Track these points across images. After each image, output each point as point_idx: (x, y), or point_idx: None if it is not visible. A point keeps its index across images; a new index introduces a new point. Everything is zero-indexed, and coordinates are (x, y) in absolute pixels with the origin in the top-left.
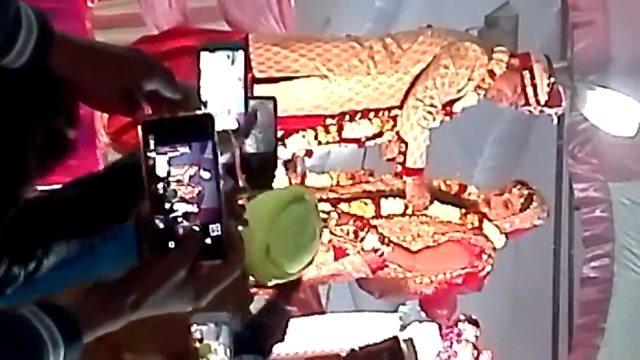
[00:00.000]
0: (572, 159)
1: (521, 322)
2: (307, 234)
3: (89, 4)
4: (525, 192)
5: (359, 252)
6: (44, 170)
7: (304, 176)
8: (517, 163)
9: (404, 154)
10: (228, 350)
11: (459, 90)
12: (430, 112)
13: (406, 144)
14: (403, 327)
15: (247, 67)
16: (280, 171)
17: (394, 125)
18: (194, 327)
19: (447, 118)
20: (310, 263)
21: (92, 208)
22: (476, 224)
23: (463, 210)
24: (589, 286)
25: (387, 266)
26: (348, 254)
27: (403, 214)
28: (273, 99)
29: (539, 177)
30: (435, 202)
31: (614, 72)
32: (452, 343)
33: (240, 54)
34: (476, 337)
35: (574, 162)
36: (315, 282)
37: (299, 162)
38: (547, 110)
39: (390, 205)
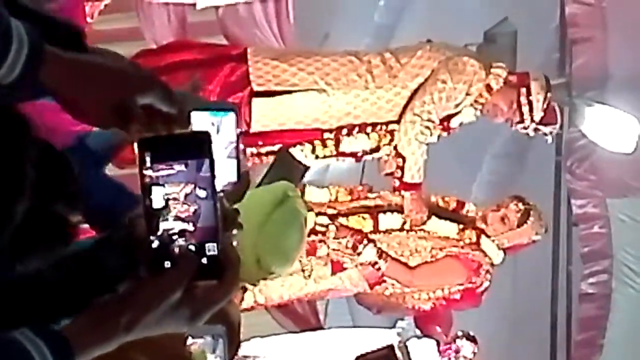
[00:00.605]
0: (570, 175)
1: (519, 338)
2: (295, 234)
3: (88, 19)
4: (522, 207)
5: (356, 266)
6: (40, 187)
7: (303, 189)
8: (515, 179)
9: (402, 168)
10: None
11: (457, 105)
12: (427, 127)
13: (404, 158)
14: (402, 342)
15: (240, 126)
16: None
17: (392, 140)
18: (190, 340)
19: (445, 133)
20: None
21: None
22: (474, 239)
23: (461, 226)
24: (587, 302)
25: (384, 281)
26: (346, 268)
27: (401, 229)
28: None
29: (537, 193)
30: (433, 217)
31: (613, 88)
32: (450, 359)
33: (230, 117)
34: (474, 353)
35: (573, 178)
36: (313, 297)
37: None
38: (542, 128)
39: (388, 220)
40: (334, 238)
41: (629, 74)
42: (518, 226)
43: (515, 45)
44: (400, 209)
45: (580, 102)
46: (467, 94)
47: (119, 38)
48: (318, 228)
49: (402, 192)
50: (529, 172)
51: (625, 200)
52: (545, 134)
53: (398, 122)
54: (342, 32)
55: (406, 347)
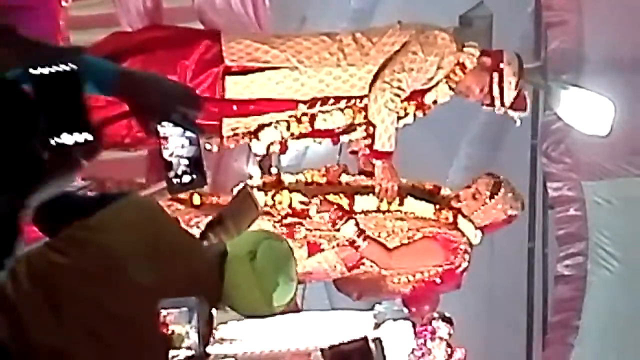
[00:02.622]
0: (546, 158)
1: (496, 320)
2: (285, 268)
3: (63, 3)
4: (492, 180)
5: (333, 247)
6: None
7: (279, 176)
8: (491, 162)
9: (372, 136)
10: (198, 334)
11: (430, 80)
12: (397, 95)
13: (374, 126)
14: (377, 325)
15: None
16: (255, 171)
17: (366, 116)
18: (163, 312)
19: (420, 113)
20: None
21: None
22: (450, 219)
23: (437, 206)
24: (563, 284)
25: (363, 264)
26: (323, 249)
27: (377, 210)
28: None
29: (513, 176)
30: (409, 197)
31: (587, 71)
32: (425, 341)
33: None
34: (449, 334)
35: (548, 161)
36: None
37: (273, 159)
38: (510, 113)
39: (364, 201)
40: (317, 212)
41: (603, 57)
42: (490, 198)
43: (491, 29)
44: (374, 191)
45: (556, 85)
46: (439, 67)
47: (94, 24)
48: (298, 206)
49: (374, 161)
50: (505, 155)
51: (601, 182)
52: (514, 119)
53: None
54: (319, 16)
55: (380, 339)
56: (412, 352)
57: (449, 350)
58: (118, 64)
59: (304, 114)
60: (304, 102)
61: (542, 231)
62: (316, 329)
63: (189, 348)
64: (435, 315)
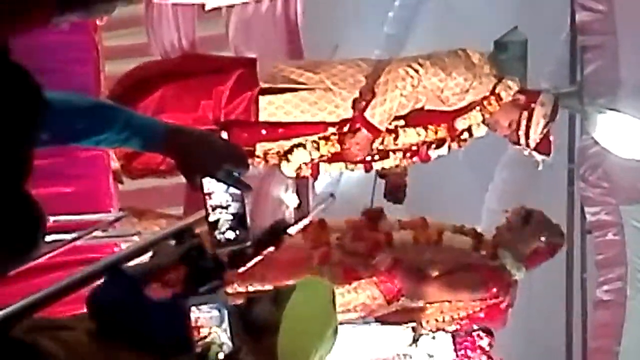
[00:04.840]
0: (583, 182)
1: (535, 346)
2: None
3: (98, 22)
4: (523, 211)
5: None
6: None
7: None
8: (528, 187)
9: (368, 102)
10: (229, 335)
11: (458, 98)
12: (411, 76)
13: (374, 94)
14: (415, 340)
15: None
16: (292, 199)
17: (396, 138)
18: (195, 313)
19: (455, 145)
20: None
21: None
22: (490, 250)
23: (476, 240)
24: (602, 309)
25: (402, 295)
26: (361, 278)
27: (415, 242)
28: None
29: (550, 201)
30: (446, 232)
31: (624, 95)
32: (466, 351)
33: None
34: (490, 345)
35: (585, 186)
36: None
37: (309, 188)
38: (535, 154)
39: (401, 236)
40: (351, 242)
41: (639, 80)
42: (523, 224)
43: (526, 54)
44: (408, 226)
45: (592, 110)
46: (467, 81)
47: (128, 54)
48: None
49: (362, 129)
50: (542, 180)
51: (639, 206)
52: (537, 161)
53: (403, 117)
54: (352, 43)
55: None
56: None
57: None
58: (152, 90)
59: (333, 134)
60: (334, 125)
61: (581, 256)
62: (354, 343)
63: (221, 350)
64: (475, 327)
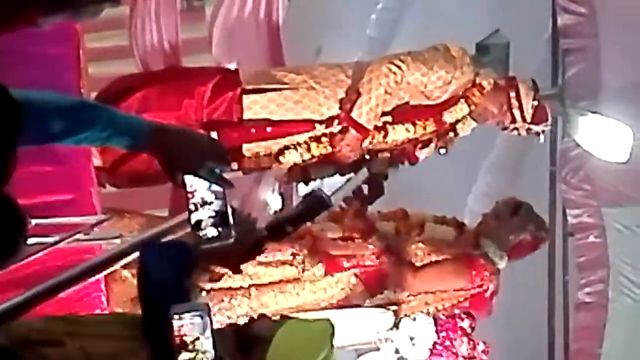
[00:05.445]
0: (565, 185)
1: (517, 348)
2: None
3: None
4: (512, 201)
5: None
6: None
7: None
8: (510, 190)
9: (354, 102)
10: (212, 343)
11: (443, 90)
12: (394, 72)
13: (359, 94)
14: (396, 324)
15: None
16: (275, 200)
17: (385, 135)
18: (177, 322)
19: (443, 150)
20: None
21: None
22: (472, 239)
23: (458, 230)
24: (584, 312)
25: (386, 287)
26: (343, 268)
27: (397, 233)
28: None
29: (532, 204)
30: (427, 223)
31: (606, 97)
32: (448, 334)
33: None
34: (472, 327)
35: (567, 188)
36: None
37: (294, 189)
38: (534, 127)
39: (382, 227)
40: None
41: (621, 83)
42: (511, 216)
43: (508, 57)
44: (389, 218)
45: (574, 112)
46: (449, 73)
47: (110, 56)
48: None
49: (350, 129)
50: (524, 183)
51: (621, 209)
52: (538, 133)
53: (390, 113)
54: (335, 46)
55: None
56: (434, 346)
57: (471, 343)
58: (135, 94)
59: (324, 134)
60: (321, 122)
61: (562, 258)
62: (336, 328)
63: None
64: (456, 311)
